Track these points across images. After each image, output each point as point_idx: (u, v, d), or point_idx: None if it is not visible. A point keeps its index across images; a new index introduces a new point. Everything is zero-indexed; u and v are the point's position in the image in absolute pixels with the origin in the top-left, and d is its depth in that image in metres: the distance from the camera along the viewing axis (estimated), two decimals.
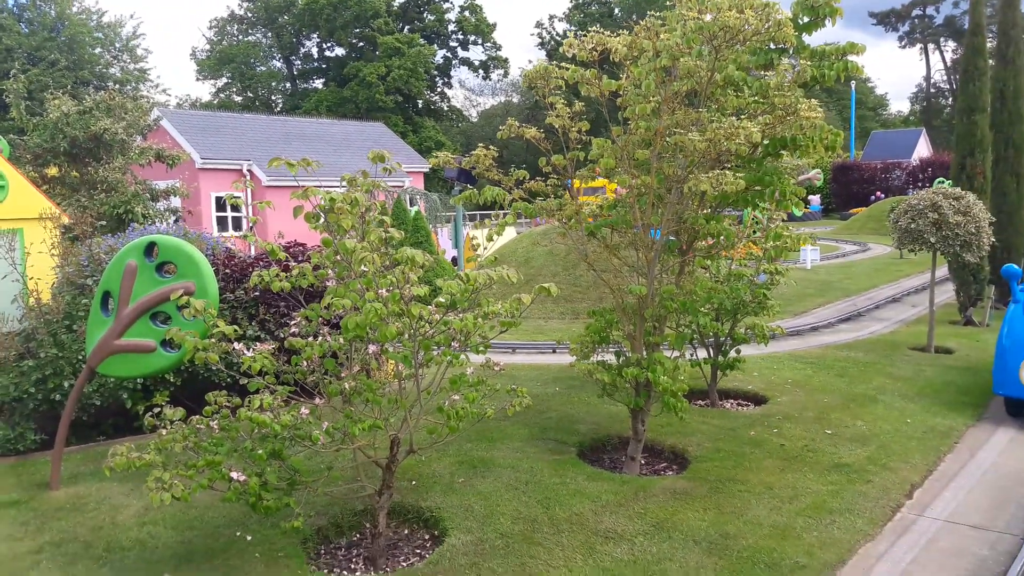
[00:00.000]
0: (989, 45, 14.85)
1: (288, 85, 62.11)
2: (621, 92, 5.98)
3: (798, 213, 22.62)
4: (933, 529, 5.33)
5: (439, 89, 61.16)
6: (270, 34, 60.56)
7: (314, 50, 61.11)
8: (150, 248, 5.74)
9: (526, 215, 6.85)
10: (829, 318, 14.28)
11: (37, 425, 6.66)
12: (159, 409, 4.61)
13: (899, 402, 8.30)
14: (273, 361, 4.42)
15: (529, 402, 5.17)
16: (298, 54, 61.51)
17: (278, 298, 7.83)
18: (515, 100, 65.88)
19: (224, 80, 60.48)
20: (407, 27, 57.67)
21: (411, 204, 22.38)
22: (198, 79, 61.94)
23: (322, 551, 5.19)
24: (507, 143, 5.80)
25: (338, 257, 4.34)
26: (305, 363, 4.62)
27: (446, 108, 61.89)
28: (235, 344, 4.48)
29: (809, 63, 5.82)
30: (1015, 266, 8.03)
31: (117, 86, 53.04)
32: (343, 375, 4.73)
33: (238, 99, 59.73)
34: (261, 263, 8.33)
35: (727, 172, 5.05)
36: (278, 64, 61.98)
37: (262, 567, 4.75)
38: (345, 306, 4.19)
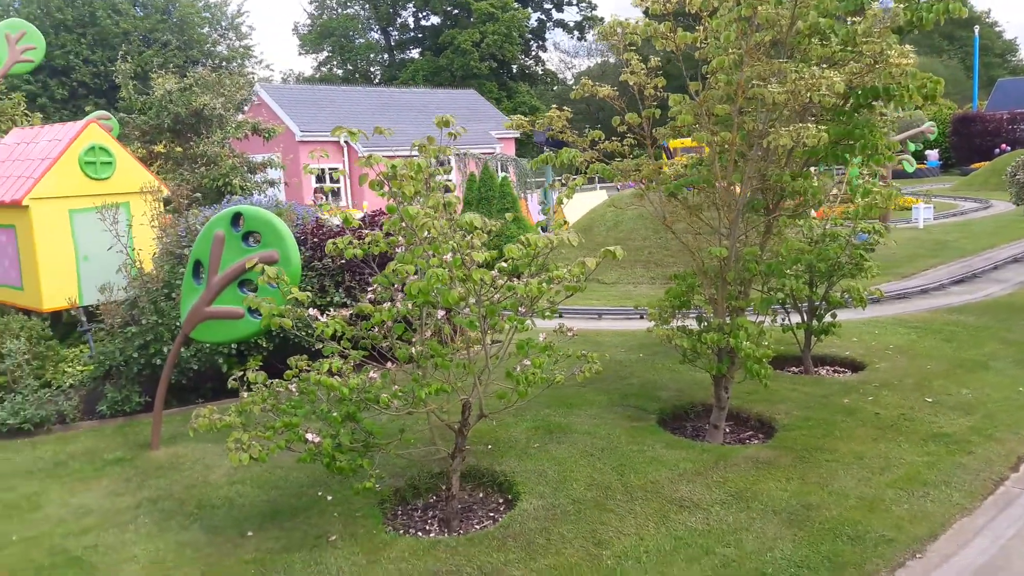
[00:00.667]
0: None
1: (386, 56, 63.02)
2: (699, 45, 5.71)
3: (909, 169, 21.51)
4: None
5: (533, 53, 60.73)
6: (367, 6, 61.44)
7: (410, 20, 61.67)
8: (236, 218, 5.95)
9: (605, 177, 6.71)
10: (940, 280, 13.44)
11: (142, 388, 7.10)
12: (243, 373, 4.81)
13: (1013, 369, 7.74)
14: (345, 325, 4.51)
15: (599, 368, 5.10)
16: (395, 24, 62.21)
17: (363, 265, 8.00)
18: (611, 60, 64.62)
19: (325, 54, 61.97)
20: None
21: (502, 170, 22.41)
22: (300, 53, 63.76)
23: (399, 512, 5.33)
24: (602, 105, 5.66)
25: (403, 224, 4.36)
26: (376, 328, 4.70)
27: (540, 72, 61.43)
28: (310, 310, 4.60)
29: (903, 5, 5.39)
30: None
31: (224, 63, 55.30)
32: (415, 340, 4.79)
33: (339, 72, 61.13)
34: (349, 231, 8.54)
35: (809, 125, 4.74)
36: (376, 35, 62.93)
37: (340, 526, 4.91)
38: (409, 271, 4.23)
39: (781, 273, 5.90)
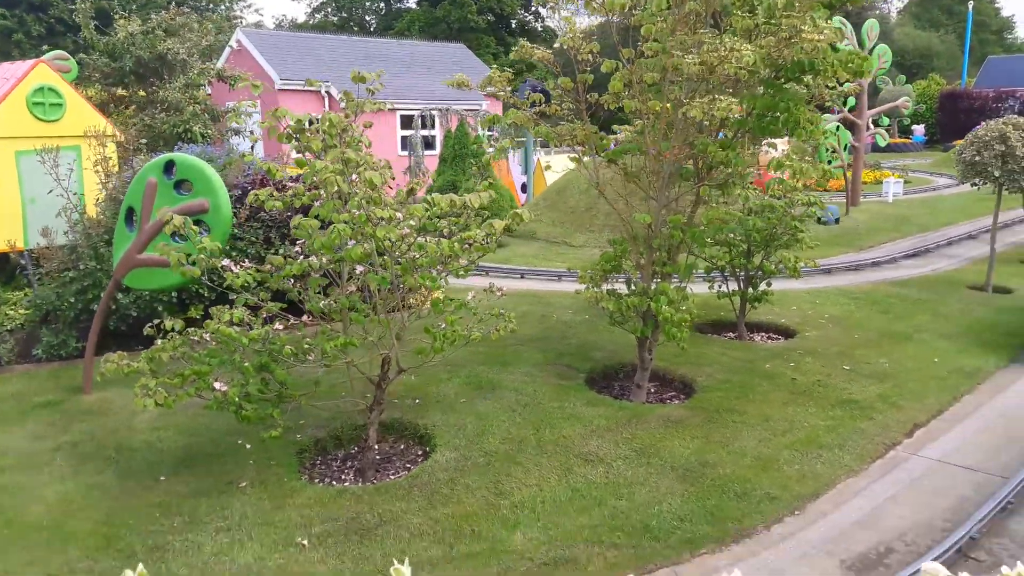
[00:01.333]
0: None
1: (382, 5, 61.75)
2: (632, 12, 5.77)
3: (882, 143, 21.57)
4: (922, 468, 5.23)
5: (533, 8, 59.80)
6: None
7: None
8: (169, 166, 6.01)
9: (547, 140, 6.81)
10: (894, 253, 13.71)
11: (78, 333, 7.19)
12: (160, 321, 4.92)
13: (935, 341, 8.00)
14: (255, 277, 4.62)
15: (515, 327, 5.28)
16: None
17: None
18: (614, 19, 63.75)
19: (319, 0, 60.66)
20: None
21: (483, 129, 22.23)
22: None
23: (318, 462, 5.51)
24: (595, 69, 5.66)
25: (315, 178, 4.45)
26: (293, 281, 4.82)
27: (540, 28, 60.60)
28: (224, 260, 4.71)
29: None
30: None
31: (211, 5, 54.11)
32: (334, 294, 4.92)
33: (333, 19, 59.91)
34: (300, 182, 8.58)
35: (721, 97, 4.85)
36: None
37: (253, 473, 5.09)
38: (314, 226, 4.33)
39: (702, 242, 6.05)
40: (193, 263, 4.59)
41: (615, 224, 16.71)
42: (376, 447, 5.36)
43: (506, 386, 6.55)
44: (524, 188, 21.23)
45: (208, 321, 4.53)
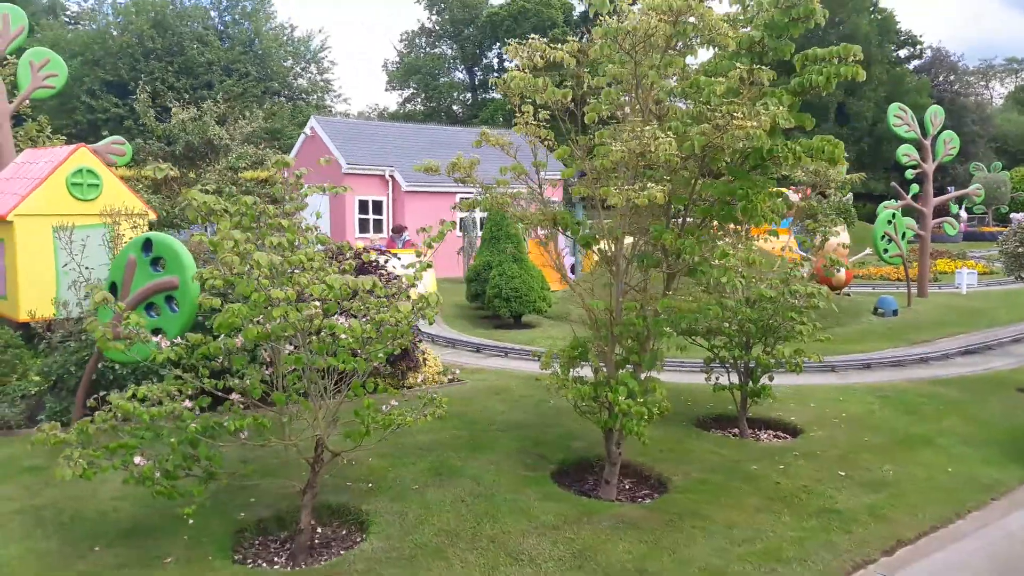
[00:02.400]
0: None
1: (469, 95, 64.40)
2: (578, 99, 5.79)
3: (951, 232, 20.71)
4: None
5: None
6: (455, 46, 63.13)
7: (495, 60, 62.97)
8: (147, 244, 6.28)
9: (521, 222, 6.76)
10: (950, 349, 12.85)
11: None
12: (105, 393, 5.04)
13: (957, 447, 7.35)
14: (180, 353, 4.69)
15: (443, 412, 5.15)
16: (480, 65, 63.62)
17: None
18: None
19: (410, 90, 63.72)
20: (584, 36, 58.24)
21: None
22: (387, 89, 65.76)
23: (256, 542, 5.43)
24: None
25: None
26: (220, 359, 4.87)
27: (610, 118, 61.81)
28: (154, 337, 4.81)
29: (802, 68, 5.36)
30: None
31: (303, 95, 57.63)
32: (248, 373, 4.92)
33: (421, 108, 62.76)
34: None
35: (646, 185, 4.72)
36: (461, 75, 64.43)
37: (183, 549, 5.05)
38: (215, 305, 4.38)
39: (661, 331, 5.81)
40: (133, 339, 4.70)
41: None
42: (309, 530, 5.24)
43: (467, 474, 6.35)
44: (573, 269, 21.17)
45: (113, 395, 4.60)
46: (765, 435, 8.00)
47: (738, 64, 5.00)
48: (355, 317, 4.72)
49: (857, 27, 47.75)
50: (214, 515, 5.54)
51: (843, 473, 6.57)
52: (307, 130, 28.08)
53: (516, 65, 5.50)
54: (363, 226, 26.80)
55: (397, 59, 63.73)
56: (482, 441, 7.20)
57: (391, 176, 27.30)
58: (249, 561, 5.12)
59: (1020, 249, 9.28)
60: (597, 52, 5.14)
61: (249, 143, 13.08)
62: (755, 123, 4.61)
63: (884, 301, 16.44)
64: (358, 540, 5.44)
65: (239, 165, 12.79)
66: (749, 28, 5.39)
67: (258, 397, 4.78)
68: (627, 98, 5.38)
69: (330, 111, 56.30)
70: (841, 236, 18.64)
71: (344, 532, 5.62)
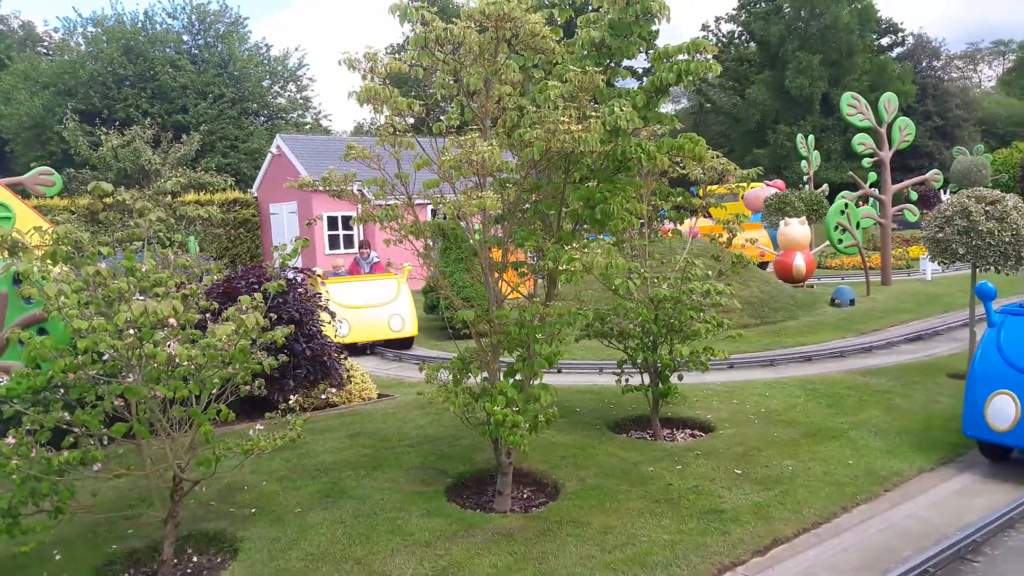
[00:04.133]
0: None
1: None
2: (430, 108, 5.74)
3: (911, 218, 20.74)
4: None
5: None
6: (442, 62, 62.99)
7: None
8: (17, 278, 6.21)
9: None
10: (895, 337, 12.84)
11: None
12: None
13: (867, 439, 7.27)
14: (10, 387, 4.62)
15: (295, 435, 5.08)
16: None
17: None
18: (683, 104, 64.86)
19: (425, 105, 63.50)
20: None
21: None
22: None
23: (126, 575, 5.34)
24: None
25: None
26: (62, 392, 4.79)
27: None
28: None
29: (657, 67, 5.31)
30: (989, 284, 6.77)
31: (282, 114, 57.61)
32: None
33: (411, 122, 62.56)
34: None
35: (483, 194, 4.67)
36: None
37: None
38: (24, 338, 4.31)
39: (534, 338, 5.73)
40: None
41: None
42: (171, 561, 5.15)
43: (357, 494, 6.26)
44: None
45: None
46: (681, 434, 7.92)
47: (583, 68, 4.93)
48: (193, 343, 4.64)
49: (838, 17, 47.83)
50: (84, 548, 5.46)
51: (739, 471, 6.49)
52: (273, 149, 28.02)
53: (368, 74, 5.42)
54: (333, 242, 26.75)
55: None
56: (385, 458, 7.12)
57: (360, 191, 27.25)
58: None
59: (940, 235, 9.20)
60: (411, 58, 5.08)
61: (182, 166, 13.02)
62: (580, 127, 4.54)
63: (841, 291, 16.39)
64: (228, 568, 5.36)
65: (173, 189, 12.73)
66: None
67: (96, 430, 4.69)
68: (476, 106, 5.33)
69: (308, 129, 56.34)
70: (796, 228, 18.59)
71: (219, 560, 5.53)
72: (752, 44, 54.52)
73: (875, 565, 4.89)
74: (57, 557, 5.34)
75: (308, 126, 57.83)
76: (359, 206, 6.31)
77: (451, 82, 5.40)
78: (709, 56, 5.27)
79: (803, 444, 7.16)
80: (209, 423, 4.73)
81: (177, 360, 4.36)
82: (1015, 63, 72.91)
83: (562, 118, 4.57)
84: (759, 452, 6.94)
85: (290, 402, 5.60)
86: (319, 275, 11.38)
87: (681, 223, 8.20)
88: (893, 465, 6.57)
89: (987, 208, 8.99)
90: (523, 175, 5.43)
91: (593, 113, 4.79)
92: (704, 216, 8.94)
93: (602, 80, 4.92)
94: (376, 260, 16.38)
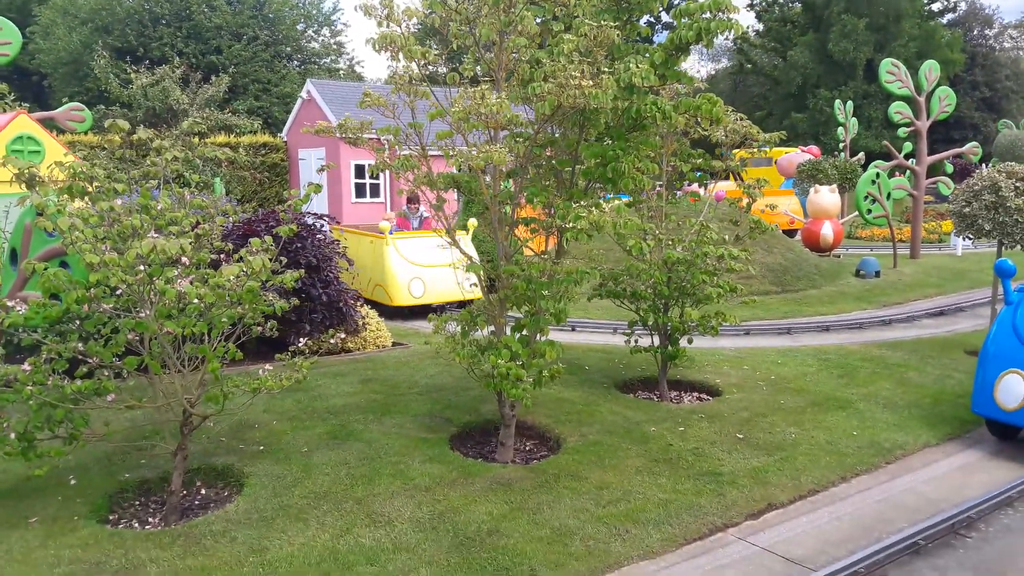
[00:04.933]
0: None
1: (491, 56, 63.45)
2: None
3: (945, 192, 20.29)
4: (735, 556, 4.69)
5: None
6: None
7: None
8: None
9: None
10: (917, 311, 12.67)
11: None
12: None
13: (873, 411, 7.25)
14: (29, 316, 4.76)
15: (301, 376, 5.18)
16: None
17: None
18: (723, 64, 63.39)
19: (435, 51, 62.94)
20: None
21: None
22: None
23: (137, 503, 5.54)
24: None
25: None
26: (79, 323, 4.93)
27: None
28: (15, 305, 4.88)
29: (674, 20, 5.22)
30: (1008, 261, 6.65)
31: (315, 59, 57.32)
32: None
33: (444, 70, 62.08)
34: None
35: (491, 147, 4.65)
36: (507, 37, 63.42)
37: (53, 509, 5.17)
38: (38, 269, 4.42)
39: (540, 295, 5.76)
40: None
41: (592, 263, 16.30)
42: (179, 492, 5.33)
43: (363, 438, 6.41)
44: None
45: None
46: (688, 397, 7.96)
47: (598, 22, 4.85)
48: (205, 282, 4.74)
49: None
50: (98, 475, 5.66)
51: (741, 436, 6.53)
52: (303, 94, 27.93)
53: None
54: (360, 191, 26.82)
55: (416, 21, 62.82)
56: (394, 404, 7.25)
57: (382, 139, 27.19)
58: (123, 521, 5.23)
59: (967, 209, 9.01)
60: (426, 5, 5.03)
61: (209, 107, 13.07)
62: (591, 83, 4.49)
63: (866, 263, 16.16)
64: (233, 501, 5.54)
65: (197, 130, 12.82)
66: None
67: (108, 361, 4.83)
68: (492, 57, 5.28)
69: (342, 75, 56.04)
70: (825, 196, 18.29)
71: (225, 493, 5.72)
72: (797, 4, 52.90)
73: (866, 535, 4.93)
74: (72, 482, 5.55)
75: (341, 72, 57.53)
76: (376, 154, 6.30)
77: (466, 32, 5.35)
78: (732, 16, 5.15)
79: (809, 413, 7.16)
80: (218, 361, 4.84)
81: (187, 297, 4.45)
82: None
83: (574, 73, 4.52)
84: (764, 418, 6.96)
85: (300, 344, 5.70)
86: (382, 229, 11.45)
87: (702, 185, 8.12)
88: (898, 438, 6.56)
89: (1018, 184, 8.78)
90: (536, 130, 5.40)
91: (606, 69, 4.72)
92: (735, 179, 8.83)
93: (618, 35, 4.84)
94: (425, 216, 15.65)
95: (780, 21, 53.33)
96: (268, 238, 5.00)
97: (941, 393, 7.84)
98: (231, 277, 4.45)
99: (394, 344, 9.82)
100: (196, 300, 4.57)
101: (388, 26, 5.56)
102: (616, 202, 6.11)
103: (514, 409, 6.27)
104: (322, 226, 9.23)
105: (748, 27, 57.60)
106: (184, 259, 4.76)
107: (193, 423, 5.30)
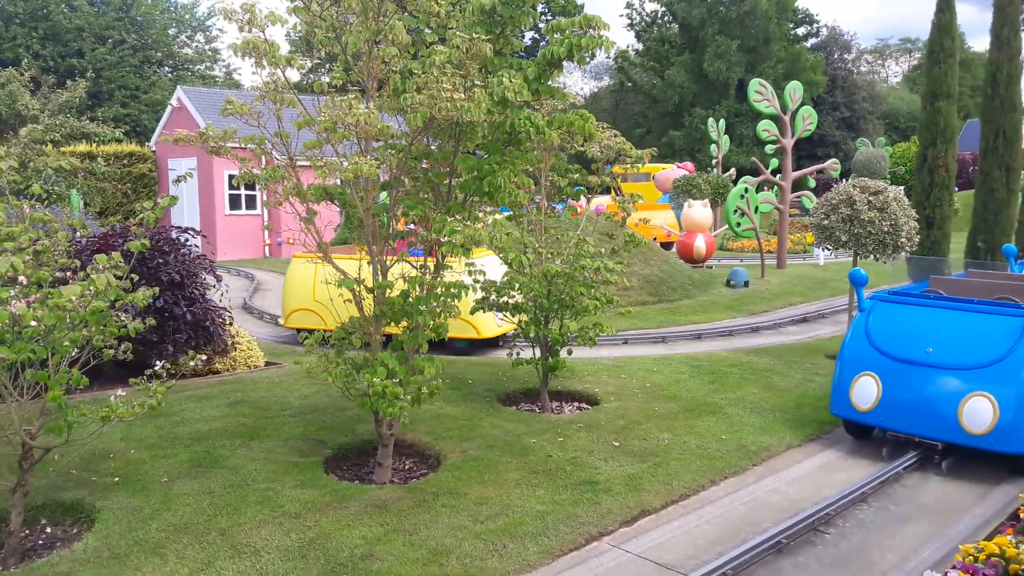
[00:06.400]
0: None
1: (383, 67, 62.53)
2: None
3: (808, 205, 21.29)
4: (611, 564, 4.73)
5: None
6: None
7: None
8: None
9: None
10: (782, 318, 13.36)
11: None
12: None
13: (741, 415, 7.54)
14: None
15: (155, 403, 4.86)
16: None
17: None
18: (605, 81, 65.13)
19: (318, 60, 61.44)
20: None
21: None
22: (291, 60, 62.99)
23: None
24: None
25: None
26: None
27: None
28: None
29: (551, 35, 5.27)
30: (861, 271, 7.11)
31: (188, 65, 54.97)
32: None
33: (325, 79, 60.62)
34: None
35: (360, 159, 4.55)
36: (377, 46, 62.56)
37: None
38: None
39: (418, 310, 5.66)
40: None
41: None
42: (20, 532, 4.87)
43: (230, 464, 6.08)
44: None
45: None
46: (569, 407, 8.04)
47: (471, 35, 4.82)
48: (44, 303, 4.35)
49: (757, 4, 48.81)
50: None
51: (618, 444, 6.63)
52: (173, 101, 26.72)
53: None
54: (234, 202, 25.80)
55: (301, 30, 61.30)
56: (264, 428, 6.94)
57: (271, 149, 26.31)
58: None
59: (825, 222, 9.57)
60: (289, 11, 4.88)
61: (64, 113, 12.18)
62: (463, 95, 4.46)
63: (736, 273, 16.92)
64: (82, 539, 5.11)
65: (50, 137, 11.89)
66: None
67: None
68: (362, 66, 5.16)
69: (219, 83, 53.95)
70: (698, 210, 19.07)
71: (74, 530, 5.28)
72: (674, 25, 55.19)
73: (734, 536, 5.08)
74: None
75: (218, 80, 55.42)
76: (240, 164, 6.03)
77: (332, 40, 5.21)
78: (603, 32, 5.24)
79: (681, 418, 7.37)
80: (60, 388, 4.46)
81: (23, 320, 4.07)
82: (920, 61, 76.49)
83: (446, 85, 4.47)
84: (639, 425, 7.10)
85: (156, 368, 5.34)
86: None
87: (577, 200, 8.25)
88: (764, 440, 6.84)
89: (870, 198, 9.40)
90: (409, 141, 5.31)
91: (479, 83, 4.70)
92: (617, 194, 9.02)
93: (490, 49, 4.83)
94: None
95: (658, 41, 55.50)
96: (116, 254, 4.66)
97: (803, 396, 8.25)
98: (72, 298, 4.10)
99: (267, 364, 9.44)
100: (34, 323, 4.19)
101: (251, 31, 5.33)
102: (496, 216, 6.11)
103: (392, 428, 6.12)
104: (187, 240, 8.77)
105: (628, 46, 59.85)
106: (21, 278, 4.37)
107: (34, 456, 4.86)
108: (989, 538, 4.71)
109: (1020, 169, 12.79)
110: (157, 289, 5.17)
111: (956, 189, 33.55)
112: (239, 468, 6.00)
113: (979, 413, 5.91)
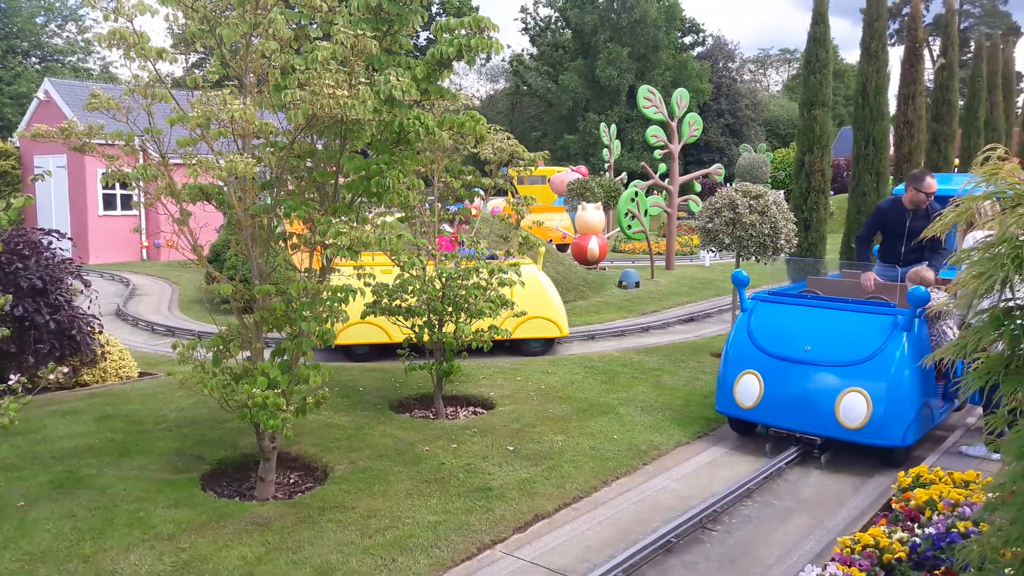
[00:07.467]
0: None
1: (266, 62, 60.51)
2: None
3: (695, 209, 21.92)
4: (504, 572, 4.63)
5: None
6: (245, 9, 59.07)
7: None
8: None
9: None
10: (671, 318, 13.69)
11: None
12: None
13: (633, 414, 7.64)
14: None
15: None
16: None
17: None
18: (501, 84, 65.30)
19: (200, 55, 58.83)
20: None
21: None
22: (173, 53, 60.17)
23: None
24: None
25: None
26: None
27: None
28: None
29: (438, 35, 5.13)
30: (743, 272, 7.35)
31: (59, 57, 51.63)
32: None
33: (204, 74, 58.17)
34: None
35: (234, 157, 4.32)
36: (256, 40, 60.45)
37: None
38: None
39: (302, 316, 5.41)
40: None
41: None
42: None
43: (94, 485, 5.64)
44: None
45: None
46: (464, 412, 7.92)
47: (356, 32, 4.63)
48: None
49: (647, 12, 50.14)
50: None
51: (512, 448, 6.57)
52: (40, 94, 24.98)
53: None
54: (108, 202, 24.32)
55: (184, 21, 58.59)
56: (136, 444, 6.49)
57: (142, 146, 24.95)
58: None
59: (710, 225, 9.87)
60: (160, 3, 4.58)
61: None
62: (346, 92, 4.28)
63: (628, 274, 17.27)
64: None
65: None
66: None
67: None
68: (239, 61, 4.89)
69: (94, 76, 50.92)
70: (591, 213, 19.38)
71: None
72: (568, 31, 56.07)
73: (625, 537, 5.09)
74: None
75: (93, 73, 52.30)
76: (107, 162, 5.61)
77: (206, 32, 4.91)
78: (492, 34, 5.17)
79: (574, 420, 7.39)
80: None
81: None
82: (798, 71, 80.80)
83: (328, 82, 4.27)
84: (533, 428, 7.07)
85: (11, 383, 4.88)
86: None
87: (472, 201, 8.16)
88: (654, 439, 6.94)
89: (751, 202, 9.75)
90: (291, 139, 5.06)
91: (364, 80, 4.53)
92: (514, 196, 8.98)
93: (376, 47, 4.66)
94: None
95: (552, 46, 56.22)
96: None
97: (691, 394, 8.45)
98: None
99: (142, 374, 8.89)
100: None
101: (118, 20, 4.95)
102: (386, 217, 5.92)
103: (275, 441, 5.82)
104: (51, 243, 8.13)
105: (523, 50, 60.39)
106: None
107: None
108: (865, 528, 4.92)
109: (889, 174, 13.60)
110: (11, 296, 4.72)
111: (831, 193, 35.63)
112: (106, 488, 5.57)
113: (854, 408, 6.19)
